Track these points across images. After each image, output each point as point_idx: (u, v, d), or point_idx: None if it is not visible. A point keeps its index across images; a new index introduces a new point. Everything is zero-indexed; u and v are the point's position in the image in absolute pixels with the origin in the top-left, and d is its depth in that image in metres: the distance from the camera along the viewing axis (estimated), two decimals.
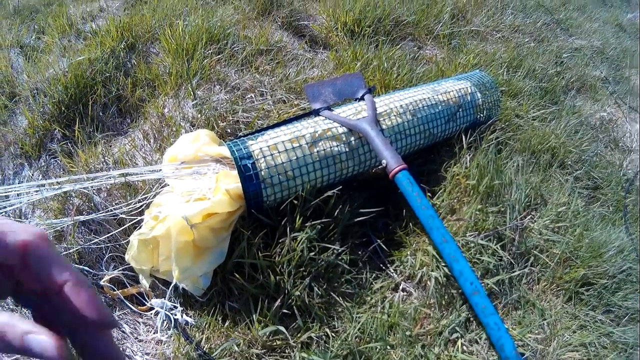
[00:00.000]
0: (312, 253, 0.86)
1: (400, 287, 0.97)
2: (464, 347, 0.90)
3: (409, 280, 0.99)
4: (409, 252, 0.98)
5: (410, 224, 0.99)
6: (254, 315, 0.81)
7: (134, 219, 0.93)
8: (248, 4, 1.28)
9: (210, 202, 0.78)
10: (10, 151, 1.26)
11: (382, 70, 1.22)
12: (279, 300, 0.82)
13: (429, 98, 1.07)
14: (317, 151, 0.89)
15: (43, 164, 1.19)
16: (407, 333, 0.89)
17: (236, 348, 0.80)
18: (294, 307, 0.83)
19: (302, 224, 0.86)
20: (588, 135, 1.42)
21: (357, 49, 1.27)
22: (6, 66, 1.44)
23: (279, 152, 0.85)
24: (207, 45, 1.13)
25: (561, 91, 1.59)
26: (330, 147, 0.90)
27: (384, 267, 0.98)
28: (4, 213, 0.99)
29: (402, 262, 0.98)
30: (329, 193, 0.88)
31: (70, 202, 1.01)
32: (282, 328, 0.77)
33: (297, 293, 0.82)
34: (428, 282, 0.97)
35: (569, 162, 1.29)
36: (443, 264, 0.95)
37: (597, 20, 2.43)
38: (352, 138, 0.93)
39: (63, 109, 1.17)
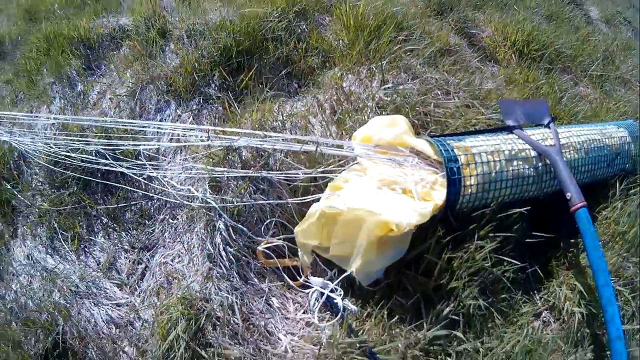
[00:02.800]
0: (488, 264, 0.88)
1: (542, 316, 0.99)
2: None
3: (547, 310, 1.01)
4: (555, 283, 1.00)
5: (565, 258, 1.01)
6: (425, 317, 0.82)
7: (311, 188, 0.92)
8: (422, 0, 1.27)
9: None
10: (157, 85, 1.23)
11: (553, 99, 1.22)
12: (451, 304, 0.84)
13: (599, 139, 1.08)
14: (512, 169, 0.89)
15: (195, 107, 1.17)
16: None
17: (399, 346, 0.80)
18: (460, 314, 0.85)
19: (486, 234, 0.87)
20: None
21: (530, 73, 1.27)
22: (155, 2, 1.40)
23: (481, 162, 0.85)
24: (392, 30, 1.11)
25: None
26: (522, 168, 0.91)
27: (531, 292, 1.00)
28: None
29: (548, 291, 1.00)
30: (516, 210, 0.89)
31: (237, 153, 0.98)
32: (458, 334, 0.78)
33: (470, 302, 0.84)
34: (565, 316, 0.99)
35: None
36: (584, 302, 0.97)
37: None
38: (540, 164, 0.94)
39: (231, 55, 1.15)
